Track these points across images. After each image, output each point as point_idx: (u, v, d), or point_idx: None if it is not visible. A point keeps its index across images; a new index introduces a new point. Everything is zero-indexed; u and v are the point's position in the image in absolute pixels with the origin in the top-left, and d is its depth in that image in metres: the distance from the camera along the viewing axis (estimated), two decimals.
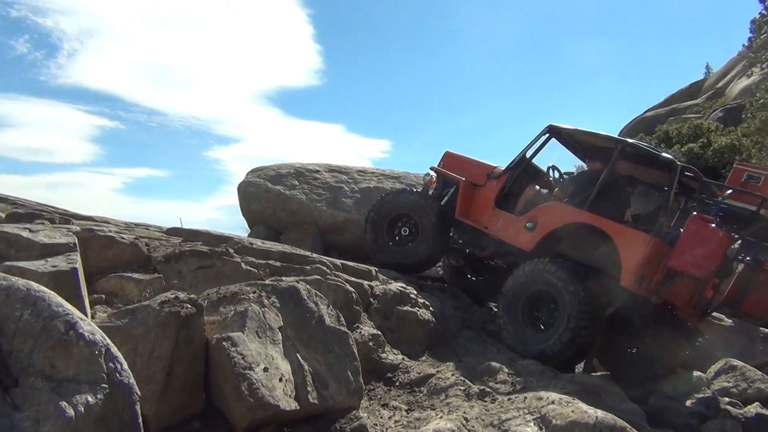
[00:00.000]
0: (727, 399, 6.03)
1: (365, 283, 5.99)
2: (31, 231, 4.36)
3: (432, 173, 8.41)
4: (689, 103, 26.47)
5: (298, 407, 3.59)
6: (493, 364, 5.43)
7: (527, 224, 6.89)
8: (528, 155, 7.44)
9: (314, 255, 6.23)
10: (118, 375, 2.46)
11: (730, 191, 6.70)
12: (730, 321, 7.60)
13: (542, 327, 6.40)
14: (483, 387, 4.76)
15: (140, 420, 2.56)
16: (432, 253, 7.83)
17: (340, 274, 5.88)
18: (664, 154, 6.70)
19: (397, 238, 8.00)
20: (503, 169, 7.50)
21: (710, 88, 27.60)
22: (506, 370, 5.33)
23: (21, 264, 3.83)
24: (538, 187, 7.63)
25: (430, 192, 8.27)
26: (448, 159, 8.30)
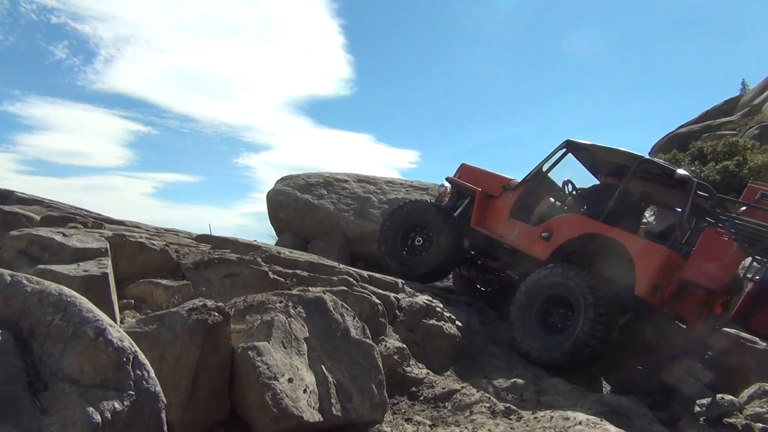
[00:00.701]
0: (760, 425, 5.86)
1: (391, 295, 5.96)
2: (64, 235, 4.43)
3: (446, 184, 8.56)
4: (724, 119, 25.98)
5: (322, 419, 3.58)
6: (519, 381, 5.36)
7: (543, 234, 7.07)
8: (544, 169, 7.65)
9: (341, 266, 6.23)
10: (144, 382, 2.47)
11: (743, 208, 6.91)
12: (764, 344, 7.43)
13: (556, 330, 6.44)
14: (508, 405, 4.69)
15: (165, 427, 2.57)
16: (445, 263, 7.91)
17: (367, 285, 5.86)
18: (679, 171, 6.85)
19: (408, 248, 8.13)
20: (519, 181, 7.67)
21: (746, 104, 27.07)
22: (532, 387, 5.26)
23: (54, 267, 3.90)
24: (552, 199, 7.86)
25: (444, 203, 8.42)
26: (464, 171, 8.45)
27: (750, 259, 6.49)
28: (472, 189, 7.98)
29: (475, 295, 8.72)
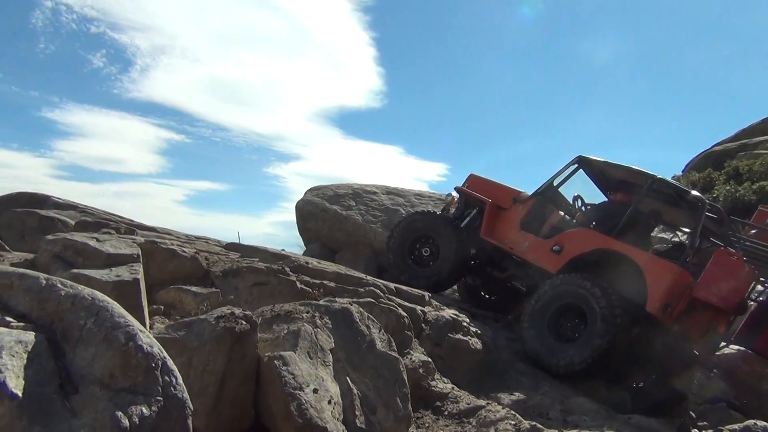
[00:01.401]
0: None
1: (418, 308, 5.95)
2: (98, 241, 4.52)
3: (454, 194, 8.64)
4: (761, 138, 25.39)
5: (346, 431, 3.57)
6: (546, 399, 5.29)
7: (554, 247, 7.17)
8: (555, 183, 7.78)
9: (368, 277, 6.24)
10: (172, 388, 2.49)
11: (753, 231, 7.18)
12: None
13: (567, 338, 6.54)
14: (534, 423, 4.62)
15: None
16: (452, 272, 8.00)
17: (394, 298, 5.86)
18: (693, 192, 7.04)
19: (414, 257, 8.21)
20: (530, 194, 7.76)
21: None
22: (559, 406, 5.19)
23: (87, 272, 3.97)
24: (563, 214, 8.01)
25: (451, 212, 8.50)
26: (473, 181, 8.52)
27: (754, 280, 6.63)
28: (482, 200, 8.05)
29: (480, 302, 8.81)
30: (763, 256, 6.64)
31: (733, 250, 6.58)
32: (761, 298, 6.73)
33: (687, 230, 7.61)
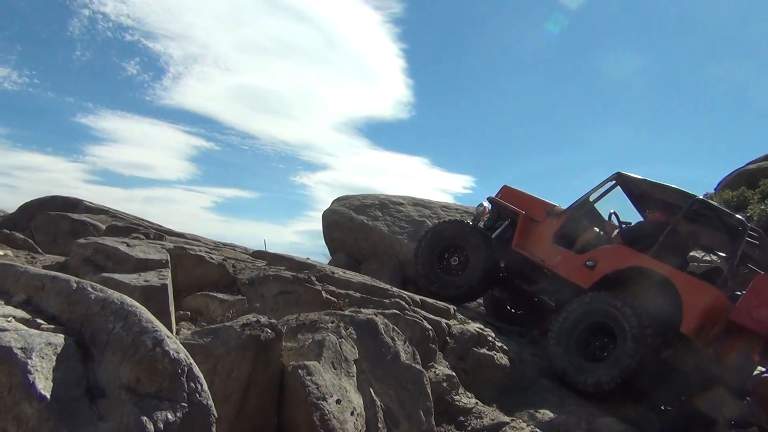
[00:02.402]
0: None
1: (443, 321, 5.91)
2: (128, 245, 4.58)
3: (486, 204, 8.59)
4: None
5: None
6: (571, 418, 5.21)
7: (588, 262, 7.09)
8: (591, 199, 7.72)
9: (394, 289, 6.22)
10: (198, 395, 2.50)
11: None
12: None
13: (595, 358, 6.46)
14: None
15: None
16: (481, 283, 7.94)
17: (419, 310, 5.83)
18: (735, 216, 6.96)
19: (443, 267, 8.16)
20: (565, 208, 7.71)
21: None
22: (584, 425, 5.09)
23: (116, 276, 4.02)
24: (597, 230, 7.89)
25: (482, 223, 8.44)
26: (506, 192, 8.48)
27: None
28: (515, 211, 8.00)
29: (505, 316, 8.74)
30: None
31: None
32: None
33: (724, 254, 7.48)
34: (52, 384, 2.22)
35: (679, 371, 6.49)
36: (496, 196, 8.52)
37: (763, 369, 6.65)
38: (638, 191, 7.84)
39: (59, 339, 2.41)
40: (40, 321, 2.56)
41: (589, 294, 6.72)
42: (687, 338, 6.24)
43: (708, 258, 8.31)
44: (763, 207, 16.41)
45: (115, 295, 2.69)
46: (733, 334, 6.19)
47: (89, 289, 2.70)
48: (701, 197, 7.09)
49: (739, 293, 6.35)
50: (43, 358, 2.27)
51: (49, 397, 2.16)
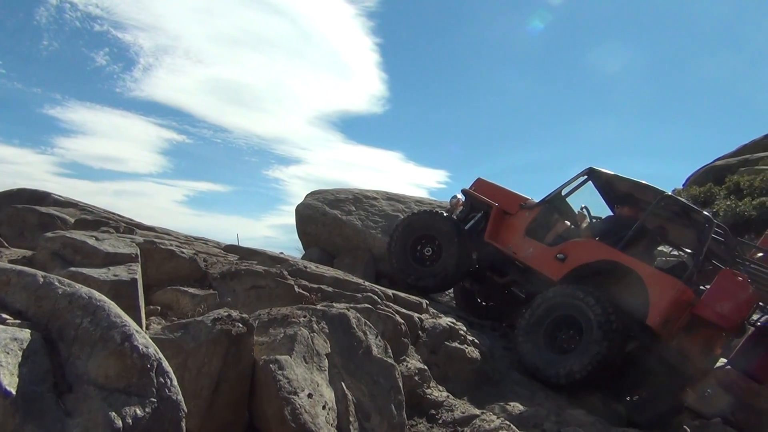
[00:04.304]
0: None
1: (415, 315, 5.93)
2: (97, 239, 4.51)
3: (460, 196, 8.67)
4: (763, 154, 25.40)
5: None
6: (541, 410, 5.28)
7: (558, 255, 7.24)
8: (563, 193, 7.84)
9: (366, 283, 6.23)
10: (167, 390, 2.49)
11: (760, 254, 7.29)
12: None
13: (562, 350, 6.60)
14: None
15: None
16: (453, 274, 8.03)
17: (391, 304, 5.85)
18: (702, 212, 7.18)
19: (415, 257, 8.25)
20: (537, 201, 7.86)
21: None
22: (554, 418, 5.17)
23: (85, 271, 3.97)
24: (568, 223, 8.04)
25: (456, 214, 8.51)
26: (480, 185, 8.61)
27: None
28: (489, 203, 8.11)
29: (475, 309, 8.84)
30: (766, 279, 6.72)
31: (738, 272, 6.64)
32: (759, 324, 6.84)
33: (690, 251, 7.67)
34: (18, 380, 2.19)
35: (644, 363, 6.64)
36: (470, 188, 8.62)
37: (725, 360, 6.86)
38: (609, 186, 7.98)
39: (25, 334, 2.38)
40: (5, 316, 2.52)
41: (551, 289, 6.86)
42: (652, 331, 6.39)
43: (675, 253, 8.50)
44: (729, 202, 16.77)
45: (83, 289, 2.66)
46: (696, 327, 6.36)
47: (56, 283, 2.66)
48: (670, 194, 7.24)
49: (703, 288, 6.52)
50: (8, 353, 2.24)
51: (14, 392, 2.14)
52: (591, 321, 6.31)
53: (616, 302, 6.52)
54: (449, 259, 7.90)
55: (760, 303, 6.74)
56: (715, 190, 18.86)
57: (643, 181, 7.32)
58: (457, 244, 7.88)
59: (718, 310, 6.14)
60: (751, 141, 29.16)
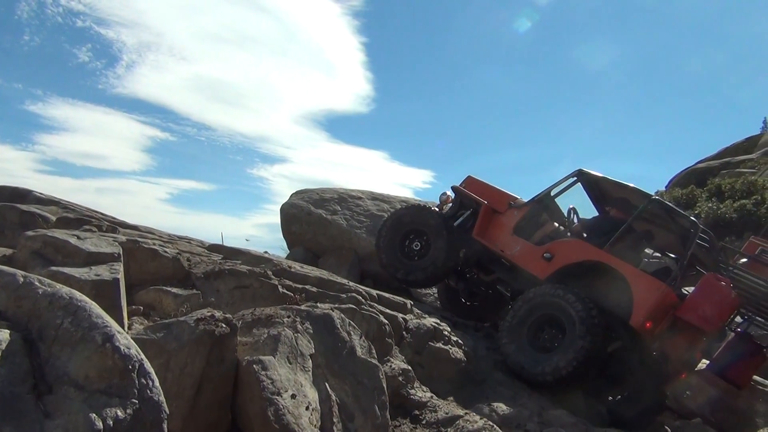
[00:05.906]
0: None
1: (399, 315, 5.93)
2: (79, 238, 4.46)
3: (449, 193, 8.70)
4: (743, 157, 25.77)
5: None
6: (524, 411, 5.30)
7: (545, 254, 7.29)
8: (552, 193, 7.87)
9: (351, 283, 6.22)
10: (148, 391, 2.47)
11: (744, 260, 7.47)
12: None
13: (547, 349, 6.62)
14: None
15: None
16: (441, 269, 8.04)
17: (375, 305, 5.84)
18: (688, 217, 7.23)
19: (403, 251, 8.28)
20: (526, 201, 7.88)
21: (766, 143, 26.86)
22: (536, 418, 5.20)
23: (66, 270, 3.92)
24: (556, 224, 8.13)
25: (445, 211, 8.54)
26: (470, 183, 8.61)
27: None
28: (478, 201, 8.14)
29: (458, 308, 8.86)
30: (748, 285, 6.84)
31: (722, 276, 6.74)
32: (739, 329, 6.98)
33: (674, 255, 7.74)
34: None
35: (625, 363, 6.71)
36: (461, 185, 8.63)
37: (707, 362, 6.94)
38: (597, 188, 8.06)
39: (4, 335, 2.35)
40: None
41: (531, 290, 6.91)
42: (635, 331, 6.46)
43: (659, 255, 8.56)
44: (710, 205, 16.96)
45: (64, 289, 2.63)
46: (678, 330, 6.43)
47: (37, 283, 2.63)
48: (657, 197, 7.31)
49: (686, 292, 6.60)
50: None
51: None
52: (572, 317, 6.37)
53: (599, 301, 6.59)
54: (438, 252, 7.93)
55: (741, 309, 6.86)
56: (697, 193, 19.07)
57: (632, 184, 7.38)
58: (446, 238, 7.91)
59: (701, 314, 6.24)
60: (733, 144, 29.54)
